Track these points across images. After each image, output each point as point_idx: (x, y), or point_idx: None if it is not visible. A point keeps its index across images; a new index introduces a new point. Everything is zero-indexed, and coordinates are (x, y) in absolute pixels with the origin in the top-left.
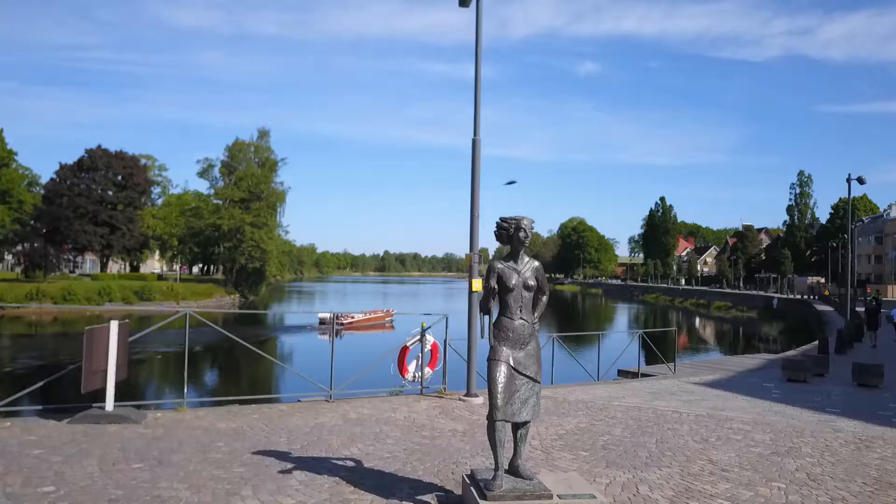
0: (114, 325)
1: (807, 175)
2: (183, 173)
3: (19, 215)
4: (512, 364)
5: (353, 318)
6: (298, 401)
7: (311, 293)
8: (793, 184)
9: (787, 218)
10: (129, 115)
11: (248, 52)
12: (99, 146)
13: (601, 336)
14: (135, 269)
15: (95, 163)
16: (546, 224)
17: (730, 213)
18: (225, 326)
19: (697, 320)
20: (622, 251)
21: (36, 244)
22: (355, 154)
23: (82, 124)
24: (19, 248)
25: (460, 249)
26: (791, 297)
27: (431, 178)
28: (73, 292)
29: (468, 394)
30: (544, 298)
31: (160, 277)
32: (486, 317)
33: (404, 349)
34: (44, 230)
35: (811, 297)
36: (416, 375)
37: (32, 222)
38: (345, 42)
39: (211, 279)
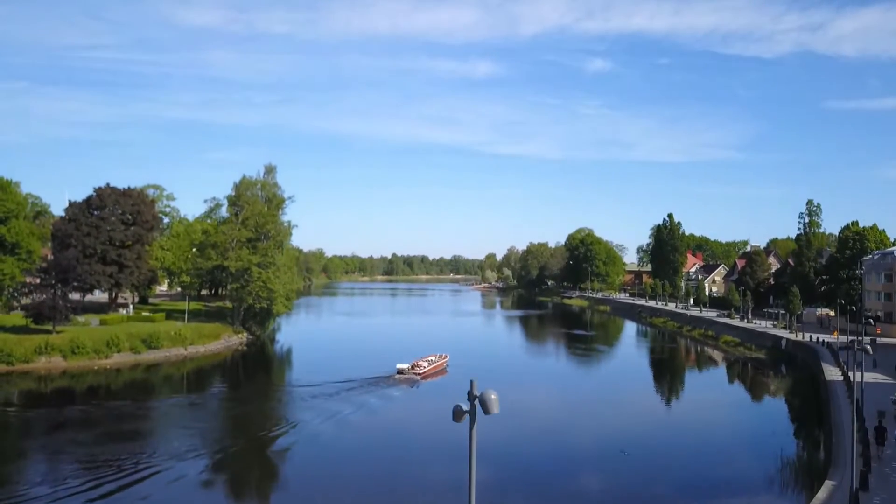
0: None
1: (816, 204)
2: (189, 175)
3: (29, 265)
4: None
5: (423, 367)
6: None
7: (318, 311)
8: (801, 213)
9: (797, 224)
10: (139, 114)
11: (258, 51)
12: (107, 184)
13: None
14: (143, 299)
15: (104, 201)
16: (553, 230)
17: (737, 214)
18: (231, 376)
19: (705, 353)
20: (630, 256)
21: (45, 296)
22: (364, 152)
23: (92, 123)
24: (28, 299)
25: (468, 251)
26: (799, 338)
27: (439, 177)
28: (81, 345)
29: None
30: None
31: (168, 315)
32: None
33: None
34: (52, 280)
35: (819, 341)
36: None
37: (42, 275)
38: (354, 40)
39: (219, 306)
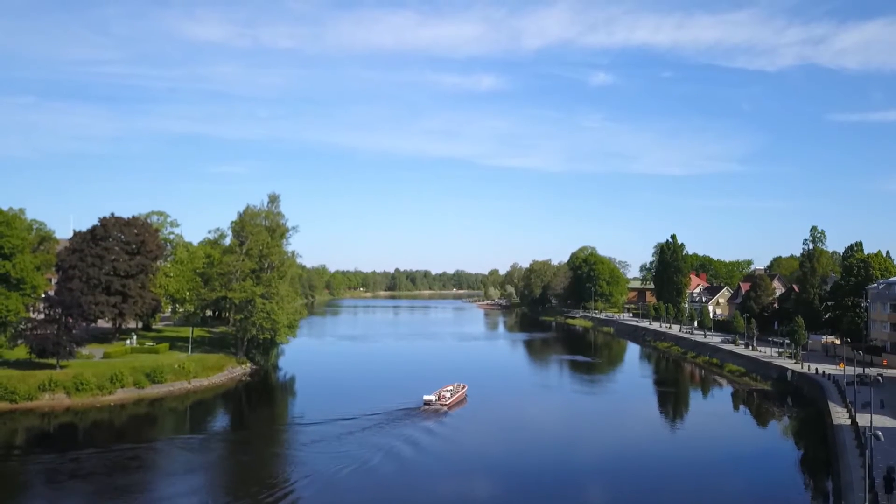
0: None
1: (820, 231)
2: (193, 188)
3: (33, 301)
4: None
5: (447, 398)
6: None
7: (321, 334)
8: (805, 239)
9: (801, 248)
10: (144, 128)
11: (263, 65)
12: (112, 214)
13: None
14: (147, 326)
15: (108, 231)
16: (556, 244)
17: (740, 227)
18: (235, 411)
19: (710, 383)
20: (633, 271)
21: (48, 332)
22: (367, 165)
23: (98, 137)
24: (32, 334)
25: (471, 265)
26: (805, 370)
27: (442, 190)
28: (85, 381)
29: None
30: None
31: (171, 344)
32: None
33: None
34: (56, 316)
35: (825, 374)
36: None
37: (47, 308)
38: (358, 55)
39: (223, 332)
